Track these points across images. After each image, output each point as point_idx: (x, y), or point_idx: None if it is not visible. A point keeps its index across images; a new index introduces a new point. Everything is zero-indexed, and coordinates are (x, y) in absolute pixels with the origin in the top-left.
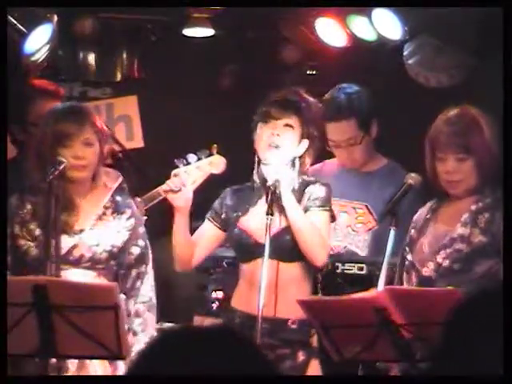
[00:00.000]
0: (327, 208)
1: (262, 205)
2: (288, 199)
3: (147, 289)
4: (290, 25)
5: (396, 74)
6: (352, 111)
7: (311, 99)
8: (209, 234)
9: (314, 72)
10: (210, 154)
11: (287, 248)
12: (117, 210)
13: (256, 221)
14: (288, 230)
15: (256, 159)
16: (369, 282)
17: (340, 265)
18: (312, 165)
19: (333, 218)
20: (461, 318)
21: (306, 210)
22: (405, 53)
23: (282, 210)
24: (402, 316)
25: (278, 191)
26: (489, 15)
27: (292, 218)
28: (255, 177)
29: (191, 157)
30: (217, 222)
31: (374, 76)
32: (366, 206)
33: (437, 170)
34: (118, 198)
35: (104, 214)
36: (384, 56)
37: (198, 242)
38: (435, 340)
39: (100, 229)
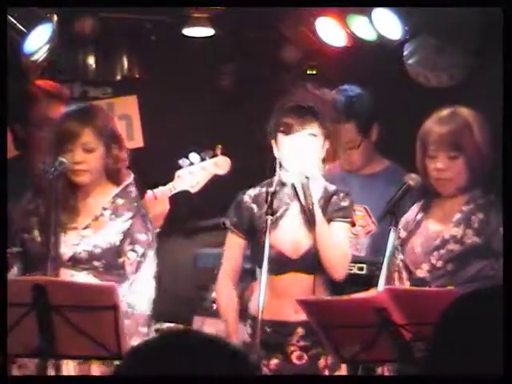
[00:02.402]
0: (350, 220)
1: (290, 217)
2: (317, 213)
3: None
4: (290, 25)
5: (396, 73)
6: (351, 115)
7: (321, 92)
8: (235, 246)
9: (314, 72)
10: (214, 155)
11: (314, 263)
12: (115, 212)
13: (287, 235)
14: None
15: (277, 165)
16: (369, 281)
17: None
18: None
19: (352, 224)
20: (460, 317)
21: (329, 220)
22: (405, 53)
23: (312, 226)
24: (402, 316)
25: (310, 205)
26: (489, 15)
27: (319, 231)
28: (276, 183)
29: (195, 157)
30: (240, 232)
31: (374, 76)
32: (365, 208)
33: (427, 168)
34: (119, 201)
35: (101, 215)
36: (384, 56)
37: (229, 257)
38: (435, 340)
39: (92, 229)
